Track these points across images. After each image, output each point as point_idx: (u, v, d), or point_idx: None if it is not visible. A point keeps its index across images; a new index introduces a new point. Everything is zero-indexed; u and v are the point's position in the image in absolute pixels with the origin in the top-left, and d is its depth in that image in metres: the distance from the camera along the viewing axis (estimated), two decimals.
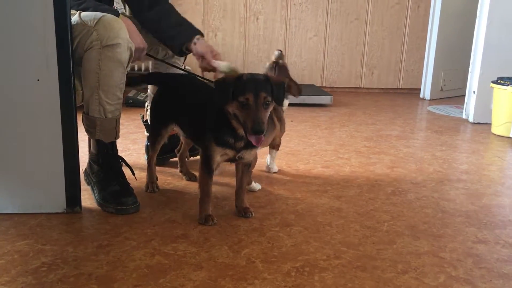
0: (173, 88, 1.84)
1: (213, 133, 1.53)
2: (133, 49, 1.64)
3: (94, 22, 1.57)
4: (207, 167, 1.57)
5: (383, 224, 1.64)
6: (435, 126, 3.36)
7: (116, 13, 1.71)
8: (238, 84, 1.42)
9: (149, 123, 1.99)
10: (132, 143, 2.54)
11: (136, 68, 4.04)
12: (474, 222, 1.69)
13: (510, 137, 2.85)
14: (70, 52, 1.52)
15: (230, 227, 1.57)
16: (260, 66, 4.59)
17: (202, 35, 1.90)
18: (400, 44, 4.78)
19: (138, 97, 3.60)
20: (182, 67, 2.03)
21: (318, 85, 4.65)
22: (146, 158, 2.19)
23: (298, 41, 4.63)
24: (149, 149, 1.94)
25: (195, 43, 1.85)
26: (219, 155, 1.55)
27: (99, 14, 1.61)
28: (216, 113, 1.51)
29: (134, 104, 3.56)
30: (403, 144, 2.79)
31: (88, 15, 1.61)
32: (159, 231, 1.51)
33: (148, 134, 2.15)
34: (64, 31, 1.49)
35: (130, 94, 3.62)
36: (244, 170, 1.67)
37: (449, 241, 1.53)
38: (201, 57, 1.84)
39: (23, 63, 1.49)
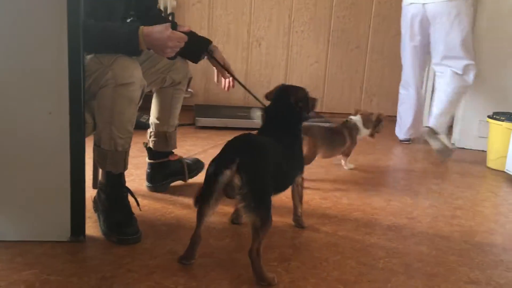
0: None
1: None
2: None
3: (110, 62, 1.63)
4: None
5: (379, 261, 1.68)
6: (432, 157, 3.41)
7: (135, 28, 1.64)
8: None
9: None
10: (135, 168, 2.58)
11: None
12: (466, 262, 1.73)
13: (505, 171, 2.91)
14: (82, 86, 1.58)
15: (230, 260, 1.61)
16: (261, 89, 4.66)
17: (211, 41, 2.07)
18: (400, 73, 4.86)
19: (141, 119, 3.61)
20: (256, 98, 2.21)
21: (318, 111, 4.71)
22: (147, 185, 2.24)
23: (299, 67, 4.71)
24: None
25: (212, 50, 2.03)
26: None
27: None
28: None
29: (136, 127, 3.57)
30: (400, 176, 2.84)
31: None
32: (161, 263, 1.55)
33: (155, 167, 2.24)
34: (76, 68, 1.55)
35: None
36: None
37: (442, 281, 1.58)
38: (218, 63, 2.05)
39: (36, 96, 1.56)
